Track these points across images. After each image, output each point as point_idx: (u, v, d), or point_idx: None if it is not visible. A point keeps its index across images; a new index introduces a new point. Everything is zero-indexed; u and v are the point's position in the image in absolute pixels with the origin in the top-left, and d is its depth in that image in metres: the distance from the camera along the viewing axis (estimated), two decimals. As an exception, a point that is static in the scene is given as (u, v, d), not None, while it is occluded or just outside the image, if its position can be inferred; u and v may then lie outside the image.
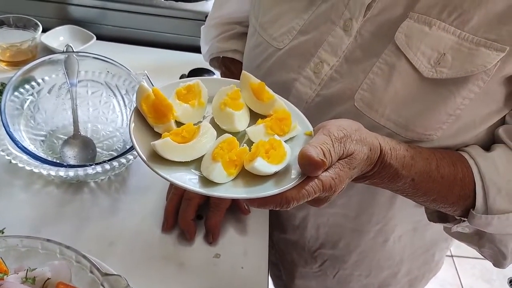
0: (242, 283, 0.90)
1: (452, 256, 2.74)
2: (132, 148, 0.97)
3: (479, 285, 2.64)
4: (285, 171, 0.67)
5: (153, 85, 1.12)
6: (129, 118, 0.72)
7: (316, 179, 0.63)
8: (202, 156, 0.69)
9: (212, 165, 0.65)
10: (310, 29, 0.86)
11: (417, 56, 0.75)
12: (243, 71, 0.78)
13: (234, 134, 0.73)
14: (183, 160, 0.68)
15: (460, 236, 0.88)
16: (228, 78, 1.17)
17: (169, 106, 0.72)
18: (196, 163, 0.69)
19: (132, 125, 0.70)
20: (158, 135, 0.70)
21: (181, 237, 0.95)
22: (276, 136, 0.70)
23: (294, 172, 0.66)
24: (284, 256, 1.22)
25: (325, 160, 0.62)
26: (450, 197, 0.79)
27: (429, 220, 0.90)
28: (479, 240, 0.86)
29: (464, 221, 0.82)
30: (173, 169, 0.67)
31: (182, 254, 0.92)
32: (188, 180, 0.66)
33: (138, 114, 0.72)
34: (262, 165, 0.65)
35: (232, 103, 0.74)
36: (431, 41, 0.74)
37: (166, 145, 0.66)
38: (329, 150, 0.63)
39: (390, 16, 0.78)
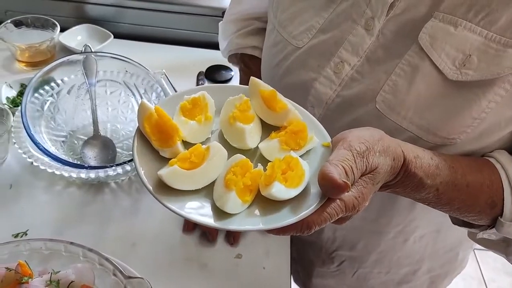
0: (264, 284, 0.90)
1: (473, 249, 2.71)
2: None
3: (501, 279, 2.61)
4: (304, 191, 0.62)
5: (171, 84, 1.13)
6: (132, 140, 0.67)
7: (338, 200, 0.60)
8: (213, 181, 0.65)
9: (226, 195, 0.61)
10: (330, 27, 0.84)
11: (442, 57, 0.72)
12: (251, 77, 0.74)
13: (246, 150, 0.69)
14: (193, 189, 0.63)
15: (486, 243, 0.85)
16: (248, 75, 1.16)
17: (174, 127, 0.67)
18: (207, 188, 0.64)
19: (136, 146, 0.65)
20: (164, 157, 0.66)
21: (202, 238, 0.95)
22: (292, 153, 0.65)
23: (314, 192, 0.62)
24: (301, 256, 1.22)
25: (348, 182, 0.58)
26: (476, 206, 0.76)
27: (453, 223, 0.88)
28: (506, 247, 0.83)
29: (491, 227, 0.79)
30: (183, 198, 0.62)
31: (204, 255, 0.92)
32: (200, 210, 0.62)
33: (142, 134, 0.67)
34: (280, 191, 0.60)
35: (241, 116, 0.70)
36: (457, 42, 0.71)
37: (174, 174, 0.62)
38: (351, 168, 0.60)
39: (413, 15, 0.76)
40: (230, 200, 0.60)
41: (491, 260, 2.68)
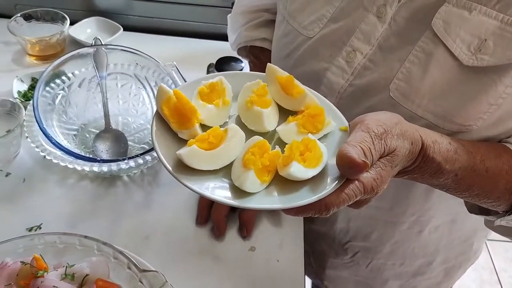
0: (278, 276, 0.89)
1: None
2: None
3: (514, 268, 2.60)
4: (322, 173, 0.62)
5: (182, 76, 1.12)
6: (151, 123, 0.68)
7: (356, 181, 0.60)
8: (231, 162, 0.65)
9: (244, 174, 0.61)
10: (341, 16, 0.84)
11: (456, 43, 0.71)
12: (268, 63, 0.74)
13: (263, 133, 0.69)
14: (212, 169, 0.64)
15: (504, 231, 0.84)
16: (257, 67, 1.15)
17: (193, 109, 0.67)
18: (225, 169, 0.65)
19: (154, 129, 0.66)
20: (182, 140, 0.66)
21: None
22: (310, 135, 0.65)
23: (332, 174, 0.62)
24: (313, 247, 1.21)
25: (367, 161, 0.58)
26: (495, 191, 0.75)
27: (469, 212, 0.87)
28: None
29: (509, 214, 0.78)
30: (201, 178, 0.63)
31: (217, 248, 0.92)
32: (219, 190, 0.62)
33: (160, 118, 0.68)
34: (299, 171, 0.60)
35: (259, 100, 0.70)
36: (471, 26, 0.70)
37: (193, 154, 0.62)
38: (370, 149, 0.59)
39: (426, 1, 0.74)
40: (249, 179, 0.61)
41: (503, 250, 2.66)
